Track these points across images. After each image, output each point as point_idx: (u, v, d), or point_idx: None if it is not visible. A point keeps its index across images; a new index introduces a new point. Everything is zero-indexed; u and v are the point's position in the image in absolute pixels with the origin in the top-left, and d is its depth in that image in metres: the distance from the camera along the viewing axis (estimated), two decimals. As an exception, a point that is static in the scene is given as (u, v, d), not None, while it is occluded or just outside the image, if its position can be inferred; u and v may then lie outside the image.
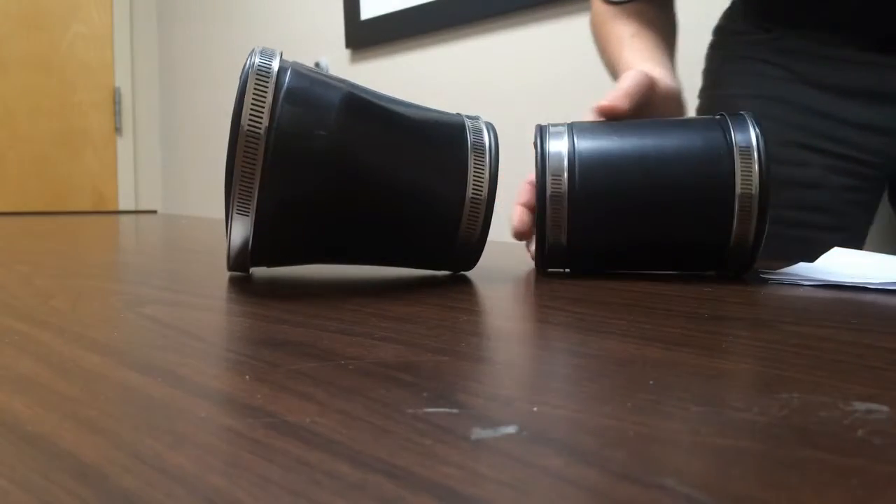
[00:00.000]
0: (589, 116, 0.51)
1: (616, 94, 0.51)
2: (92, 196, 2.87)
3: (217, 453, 0.15)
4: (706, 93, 0.79)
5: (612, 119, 0.50)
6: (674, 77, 0.62)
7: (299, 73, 0.38)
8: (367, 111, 0.39)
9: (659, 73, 0.58)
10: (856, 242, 0.72)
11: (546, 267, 0.48)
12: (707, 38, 0.81)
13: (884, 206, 0.76)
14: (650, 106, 0.54)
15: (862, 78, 0.69)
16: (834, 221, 0.71)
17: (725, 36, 0.78)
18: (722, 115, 0.46)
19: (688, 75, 0.79)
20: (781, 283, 0.43)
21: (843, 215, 0.70)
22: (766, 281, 0.45)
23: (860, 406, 0.18)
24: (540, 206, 0.45)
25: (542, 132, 0.46)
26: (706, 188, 0.44)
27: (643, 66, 0.59)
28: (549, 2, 1.68)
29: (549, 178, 0.44)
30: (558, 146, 0.45)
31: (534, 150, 0.47)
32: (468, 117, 0.44)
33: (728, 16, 0.79)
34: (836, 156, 0.70)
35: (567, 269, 0.48)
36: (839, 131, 0.69)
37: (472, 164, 0.41)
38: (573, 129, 0.46)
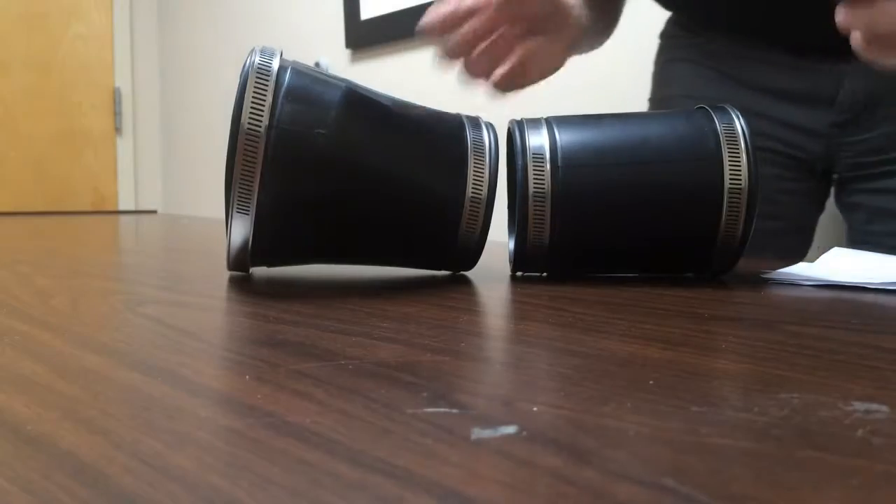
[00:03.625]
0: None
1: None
2: (92, 196, 2.87)
3: (217, 453, 0.15)
4: (652, 96, 0.82)
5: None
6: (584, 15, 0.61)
7: (299, 71, 0.38)
8: (367, 110, 0.39)
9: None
10: (799, 232, 0.75)
11: (524, 269, 0.45)
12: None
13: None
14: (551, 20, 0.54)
15: (784, 79, 0.71)
16: (768, 210, 0.72)
17: (666, 40, 0.81)
18: (702, 106, 0.45)
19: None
20: (781, 283, 0.43)
21: (777, 204, 0.72)
22: (766, 281, 0.45)
23: (860, 406, 0.18)
24: (521, 204, 0.42)
25: (519, 126, 0.44)
26: (697, 175, 0.42)
27: None
28: (549, 2, 1.67)
29: (531, 175, 0.42)
30: (539, 140, 0.43)
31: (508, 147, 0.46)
32: (468, 117, 0.44)
33: (668, 20, 0.82)
34: (761, 149, 0.72)
35: (544, 274, 0.46)
36: (766, 128, 0.71)
37: (472, 164, 0.41)
38: (551, 122, 0.44)
